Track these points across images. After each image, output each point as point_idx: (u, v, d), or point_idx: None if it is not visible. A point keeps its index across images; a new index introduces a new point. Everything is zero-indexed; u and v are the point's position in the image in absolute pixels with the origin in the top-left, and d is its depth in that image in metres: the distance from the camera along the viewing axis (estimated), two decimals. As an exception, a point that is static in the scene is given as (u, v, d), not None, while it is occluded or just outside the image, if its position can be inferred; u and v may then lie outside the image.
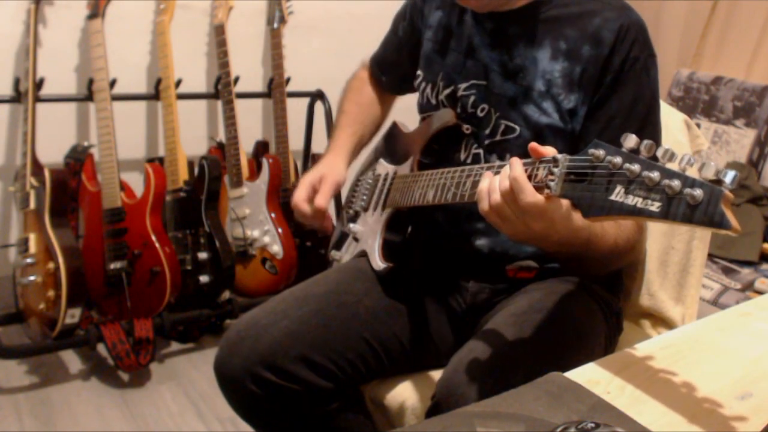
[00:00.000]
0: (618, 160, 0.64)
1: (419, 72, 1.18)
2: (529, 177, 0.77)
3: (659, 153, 0.61)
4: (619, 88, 1.01)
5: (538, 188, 0.75)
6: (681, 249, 1.29)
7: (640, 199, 0.61)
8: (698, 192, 0.57)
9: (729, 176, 0.57)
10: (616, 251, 0.95)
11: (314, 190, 1.18)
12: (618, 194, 0.63)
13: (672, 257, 1.29)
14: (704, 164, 0.58)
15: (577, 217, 0.78)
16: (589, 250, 0.89)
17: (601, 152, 0.65)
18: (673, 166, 0.61)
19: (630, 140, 0.63)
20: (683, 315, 1.30)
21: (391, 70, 1.32)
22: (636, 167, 0.62)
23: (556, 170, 0.72)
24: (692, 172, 0.60)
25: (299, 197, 1.17)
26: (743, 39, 2.49)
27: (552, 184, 0.72)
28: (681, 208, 0.58)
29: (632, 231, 0.98)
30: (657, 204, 0.60)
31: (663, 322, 1.29)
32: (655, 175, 0.60)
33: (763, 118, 2.29)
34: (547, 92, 1.03)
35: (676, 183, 0.58)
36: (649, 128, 1.03)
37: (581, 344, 0.98)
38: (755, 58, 2.47)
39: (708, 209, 0.57)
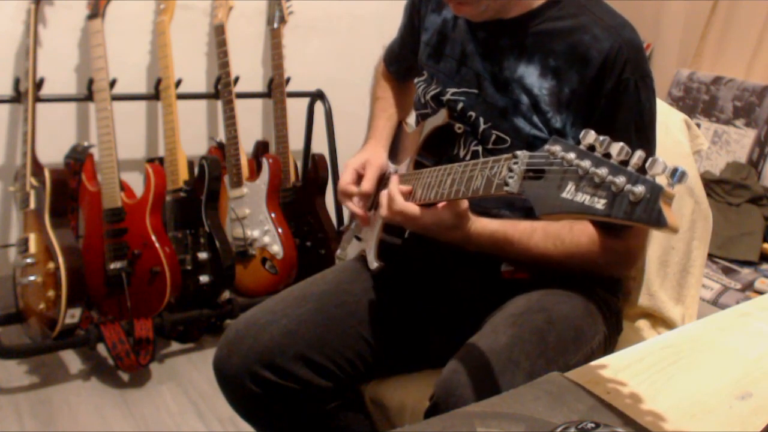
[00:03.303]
0: (571, 156, 0.61)
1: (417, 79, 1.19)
2: (493, 175, 0.77)
3: (613, 150, 0.59)
4: (615, 112, 0.99)
5: (499, 186, 0.74)
6: (681, 249, 1.29)
7: (588, 197, 0.59)
8: (639, 189, 0.55)
9: (675, 173, 0.55)
10: (568, 255, 1.01)
11: (359, 175, 1.17)
12: (569, 191, 0.61)
13: (672, 257, 1.29)
14: (653, 161, 0.56)
15: (480, 219, 0.97)
16: (519, 248, 0.99)
17: (556, 148, 0.63)
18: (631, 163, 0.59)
19: (589, 137, 0.61)
20: (683, 315, 1.30)
21: (396, 61, 1.33)
22: (586, 163, 0.60)
23: (515, 167, 0.70)
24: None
25: (345, 180, 1.16)
26: (743, 39, 2.48)
27: (510, 181, 0.70)
28: (623, 206, 0.56)
29: (585, 241, 1.01)
30: (602, 201, 0.58)
31: (663, 322, 1.29)
32: (602, 171, 0.58)
33: (763, 118, 2.29)
34: (535, 107, 1.02)
35: (620, 180, 0.57)
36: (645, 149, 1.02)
37: (581, 344, 0.98)
38: (755, 58, 2.46)
39: (647, 207, 0.55)
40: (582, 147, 0.62)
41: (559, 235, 1.00)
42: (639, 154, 0.57)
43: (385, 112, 1.31)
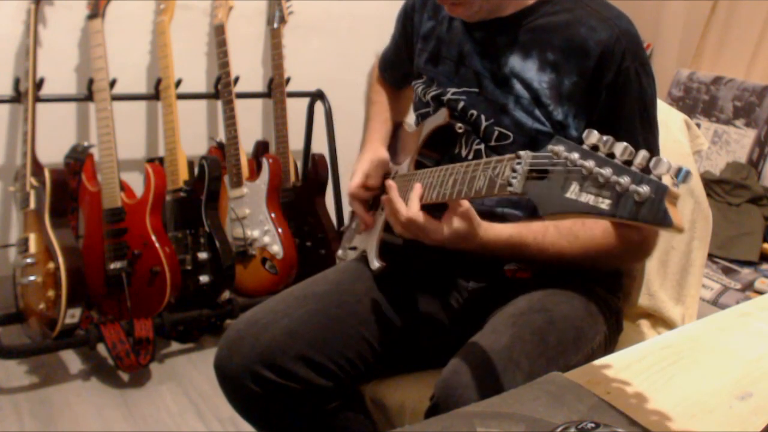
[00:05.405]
0: (575, 156, 0.61)
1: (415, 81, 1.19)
2: (496, 175, 0.77)
3: (617, 150, 0.59)
4: (619, 102, 1.00)
5: (502, 186, 0.75)
6: (681, 249, 1.29)
7: (592, 197, 0.59)
8: (644, 189, 0.55)
9: (680, 173, 0.55)
10: (584, 250, 1.01)
11: (368, 176, 1.19)
12: (573, 192, 0.61)
13: (672, 257, 1.29)
14: (657, 160, 0.56)
15: (493, 226, 0.97)
16: (534, 250, 0.99)
17: (560, 148, 0.63)
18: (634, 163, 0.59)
19: (592, 136, 0.61)
20: (683, 315, 1.30)
21: (391, 68, 1.34)
22: (590, 163, 0.59)
23: (518, 167, 0.70)
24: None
25: (355, 184, 1.18)
26: (743, 39, 2.49)
27: (514, 181, 0.70)
28: (628, 206, 0.56)
29: (599, 233, 1.01)
30: (607, 201, 0.58)
31: (663, 322, 1.29)
32: (606, 171, 0.58)
33: (763, 118, 2.29)
34: (536, 101, 1.03)
35: (624, 179, 0.57)
36: (649, 137, 1.03)
37: (581, 344, 0.98)
38: (755, 58, 2.46)
39: (653, 207, 0.55)
40: (585, 147, 0.62)
41: (572, 230, 1.01)
42: (643, 153, 0.57)
43: (381, 116, 1.31)
